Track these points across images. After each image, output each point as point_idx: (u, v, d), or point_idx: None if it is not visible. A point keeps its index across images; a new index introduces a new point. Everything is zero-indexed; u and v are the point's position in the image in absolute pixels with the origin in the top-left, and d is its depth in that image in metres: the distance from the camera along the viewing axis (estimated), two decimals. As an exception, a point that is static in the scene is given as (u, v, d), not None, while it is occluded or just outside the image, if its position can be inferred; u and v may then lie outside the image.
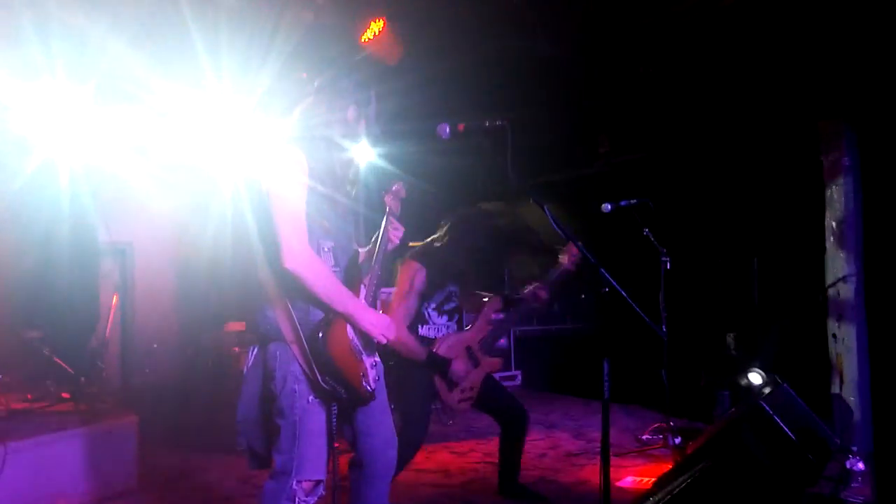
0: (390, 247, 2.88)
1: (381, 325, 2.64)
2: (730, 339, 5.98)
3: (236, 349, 5.69)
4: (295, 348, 2.52)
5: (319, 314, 2.55)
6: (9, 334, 5.48)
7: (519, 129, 2.80)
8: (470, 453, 5.59)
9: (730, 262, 6.10)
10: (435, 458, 5.41)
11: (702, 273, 6.31)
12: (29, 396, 5.25)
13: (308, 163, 2.56)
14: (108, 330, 6.67)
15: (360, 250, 2.87)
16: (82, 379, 5.30)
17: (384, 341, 2.68)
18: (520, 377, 7.84)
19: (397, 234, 2.88)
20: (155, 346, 7.38)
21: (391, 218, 2.88)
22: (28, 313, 5.80)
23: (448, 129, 2.80)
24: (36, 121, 5.39)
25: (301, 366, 2.51)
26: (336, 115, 2.66)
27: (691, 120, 6.78)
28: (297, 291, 2.51)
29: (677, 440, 5.40)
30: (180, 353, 6.86)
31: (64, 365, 5.55)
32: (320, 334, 2.49)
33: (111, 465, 4.52)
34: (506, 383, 7.74)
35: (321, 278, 2.50)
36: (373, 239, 2.90)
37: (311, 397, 2.52)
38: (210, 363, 5.76)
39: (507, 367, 7.81)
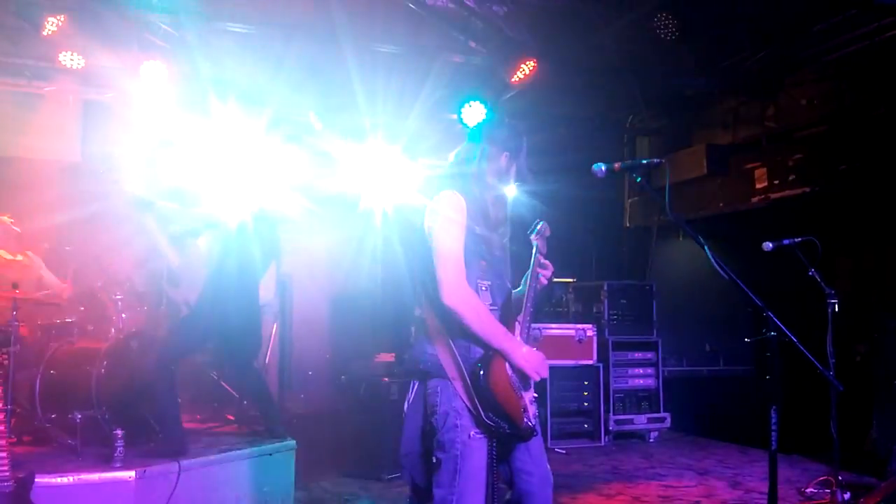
0: (540, 286, 2.90)
1: (535, 362, 2.67)
2: (907, 389, 5.51)
3: (385, 379, 5.85)
4: (458, 385, 2.59)
5: (479, 351, 2.62)
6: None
7: (673, 164, 2.76)
8: (618, 496, 5.43)
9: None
10: (582, 501, 5.30)
11: (873, 317, 5.85)
12: (198, 417, 5.66)
13: (467, 205, 2.67)
14: (267, 356, 7.06)
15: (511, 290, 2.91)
16: (245, 402, 5.64)
17: (537, 378, 2.71)
18: (669, 419, 7.53)
19: (546, 273, 2.91)
20: (310, 373, 7.75)
21: (539, 257, 2.91)
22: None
23: (604, 169, 2.80)
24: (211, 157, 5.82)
25: (464, 402, 2.58)
26: (490, 162, 2.78)
27: (861, 152, 6.36)
28: (458, 328, 2.60)
29: (846, 496, 4.99)
30: (333, 381, 7.14)
31: (229, 388, 5.93)
32: (482, 372, 2.56)
33: (271, 487, 4.76)
34: (654, 425, 7.50)
35: (478, 314, 2.59)
36: (523, 279, 2.93)
37: (472, 432, 2.58)
38: (361, 391, 5.96)
39: (655, 409, 7.53)
